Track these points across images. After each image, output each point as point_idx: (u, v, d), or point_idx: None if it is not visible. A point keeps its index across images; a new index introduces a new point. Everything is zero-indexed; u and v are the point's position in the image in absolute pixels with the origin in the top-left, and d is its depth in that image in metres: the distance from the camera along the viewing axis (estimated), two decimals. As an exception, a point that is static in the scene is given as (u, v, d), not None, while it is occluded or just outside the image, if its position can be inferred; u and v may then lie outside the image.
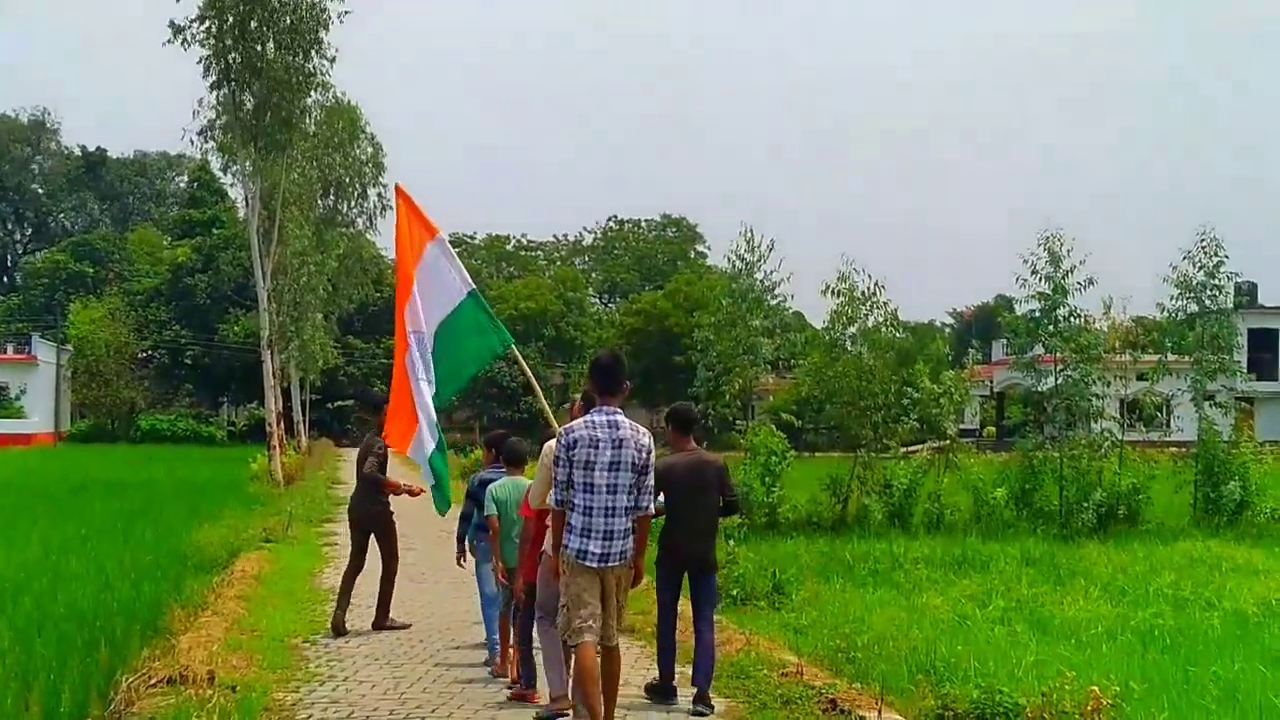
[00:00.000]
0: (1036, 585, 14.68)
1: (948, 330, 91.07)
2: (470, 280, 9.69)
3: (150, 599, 11.76)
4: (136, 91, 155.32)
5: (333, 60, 32.59)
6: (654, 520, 7.78)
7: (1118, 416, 23.95)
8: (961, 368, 27.76)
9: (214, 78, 31.28)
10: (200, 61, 31.07)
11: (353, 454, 16.12)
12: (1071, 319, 22.68)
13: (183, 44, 30.72)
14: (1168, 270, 23.82)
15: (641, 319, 65.82)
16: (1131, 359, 24.60)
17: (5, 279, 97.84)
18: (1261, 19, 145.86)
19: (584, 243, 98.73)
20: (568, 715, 7.60)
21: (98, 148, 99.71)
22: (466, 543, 10.44)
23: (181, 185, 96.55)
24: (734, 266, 22.78)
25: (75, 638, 9.70)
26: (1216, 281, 23.56)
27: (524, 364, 10.20)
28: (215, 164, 42.36)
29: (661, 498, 8.14)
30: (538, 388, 10.14)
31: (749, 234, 22.29)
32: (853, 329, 23.17)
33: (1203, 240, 23.50)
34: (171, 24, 30.72)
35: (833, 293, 22.89)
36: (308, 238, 41.62)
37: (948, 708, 8.07)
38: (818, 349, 24.11)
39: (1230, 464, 22.89)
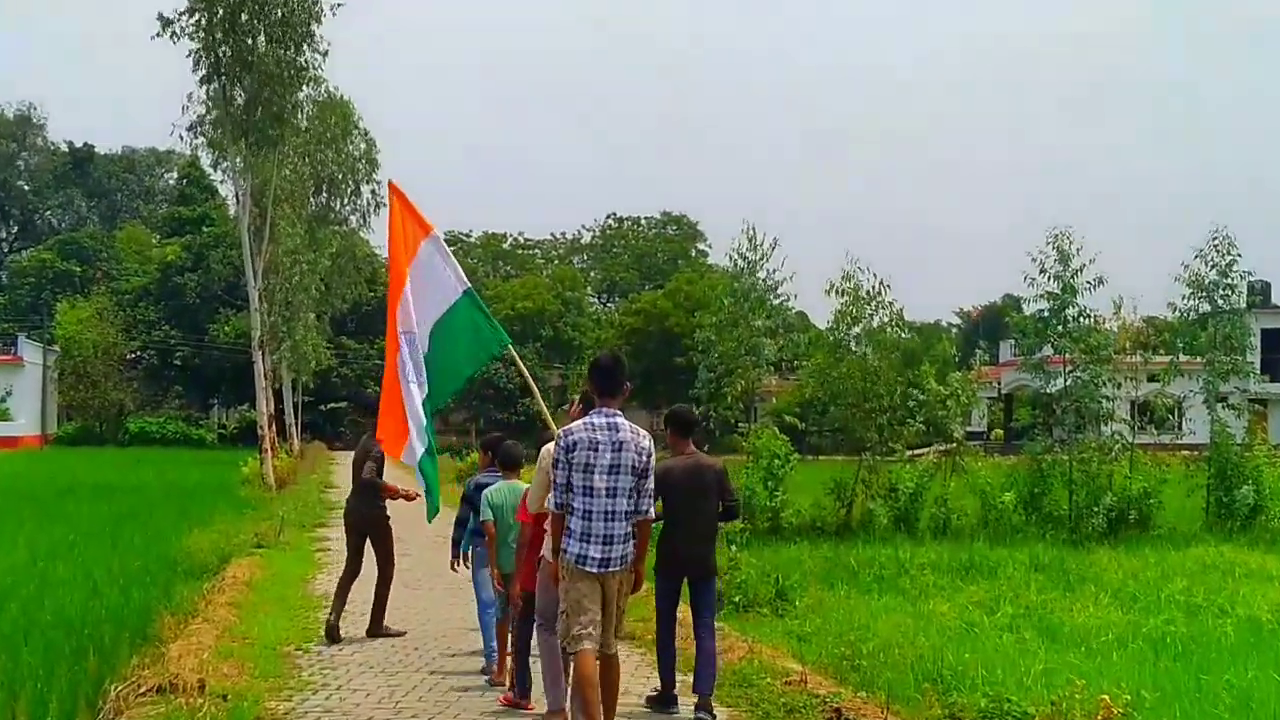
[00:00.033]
0: (1045, 591, 14.59)
1: (954, 331, 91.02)
2: (466, 279, 9.55)
3: (139, 606, 11.63)
4: (124, 89, 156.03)
5: (325, 54, 32.58)
6: (653, 525, 7.66)
7: (1128, 419, 23.77)
8: (968, 369, 27.53)
9: (204, 72, 31.21)
10: (190, 55, 31.04)
11: (346, 457, 15.87)
12: (1081, 319, 22.57)
13: (172, 37, 30.64)
14: (1179, 269, 23.76)
15: (641, 319, 65.64)
16: (1142, 360, 24.48)
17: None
18: (1261, 19, 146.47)
19: (582, 241, 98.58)
20: None
21: (85, 144, 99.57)
22: (462, 548, 10.33)
23: (171, 182, 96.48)
24: (736, 265, 22.60)
25: (63, 645, 9.60)
26: (1229, 281, 23.44)
27: (521, 365, 9.97)
28: (205, 160, 42.33)
29: (660, 502, 8.00)
30: (535, 389, 9.94)
31: (751, 232, 22.09)
32: (857, 329, 23.05)
33: (1215, 239, 23.38)
34: (160, 17, 30.62)
35: (837, 292, 22.74)
36: (300, 236, 41.41)
37: (955, 716, 8.08)
38: (821, 350, 23.95)
39: (1244, 467, 22.72)
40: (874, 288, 22.67)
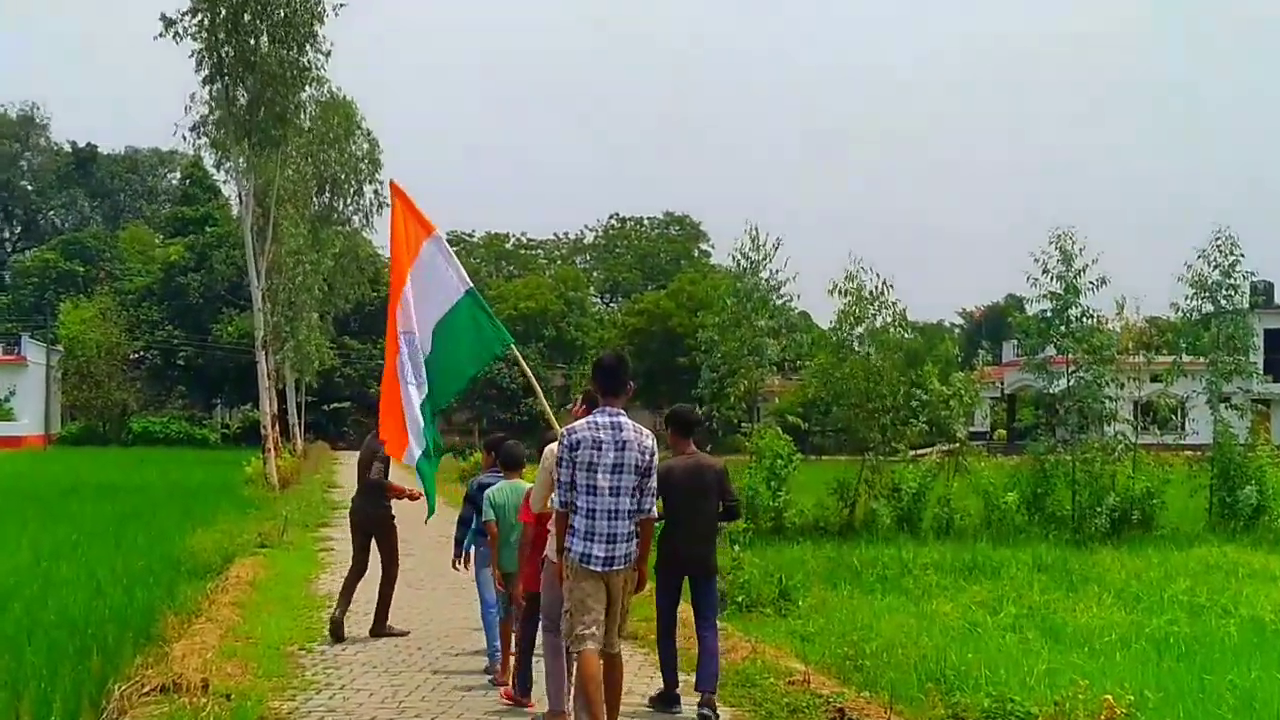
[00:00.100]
0: (1049, 592, 14.56)
1: (957, 331, 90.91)
2: (468, 279, 9.50)
3: (143, 605, 11.62)
4: (124, 89, 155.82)
5: (328, 54, 32.57)
6: (655, 524, 7.67)
7: (1131, 419, 23.72)
8: (971, 369, 27.54)
9: (206, 72, 31.19)
10: (192, 56, 31.00)
11: (349, 457, 15.85)
12: (1084, 319, 22.52)
13: (174, 37, 30.61)
14: (1181, 269, 23.75)
15: (644, 319, 65.59)
16: (1145, 360, 24.45)
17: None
18: (1261, 19, 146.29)
19: (585, 241, 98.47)
20: None
21: (88, 144, 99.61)
22: (464, 547, 10.32)
23: (174, 182, 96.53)
24: (739, 265, 22.56)
25: (66, 645, 9.57)
26: (1232, 281, 23.41)
27: (524, 365, 9.96)
28: (208, 160, 42.23)
29: (660, 501, 7.99)
30: (538, 389, 9.90)
31: (754, 232, 22.11)
32: (860, 329, 23.01)
33: (1218, 239, 23.35)
34: (163, 17, 30.59)
35: (840, 292, 22.69)
36: (303, 236, 41.38)
37: (958, 717, 8.07)
38: (824, 350, 23.95)
39: (1247, 467, 22.65)
40: (877, 288, 22.69)
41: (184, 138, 33.71)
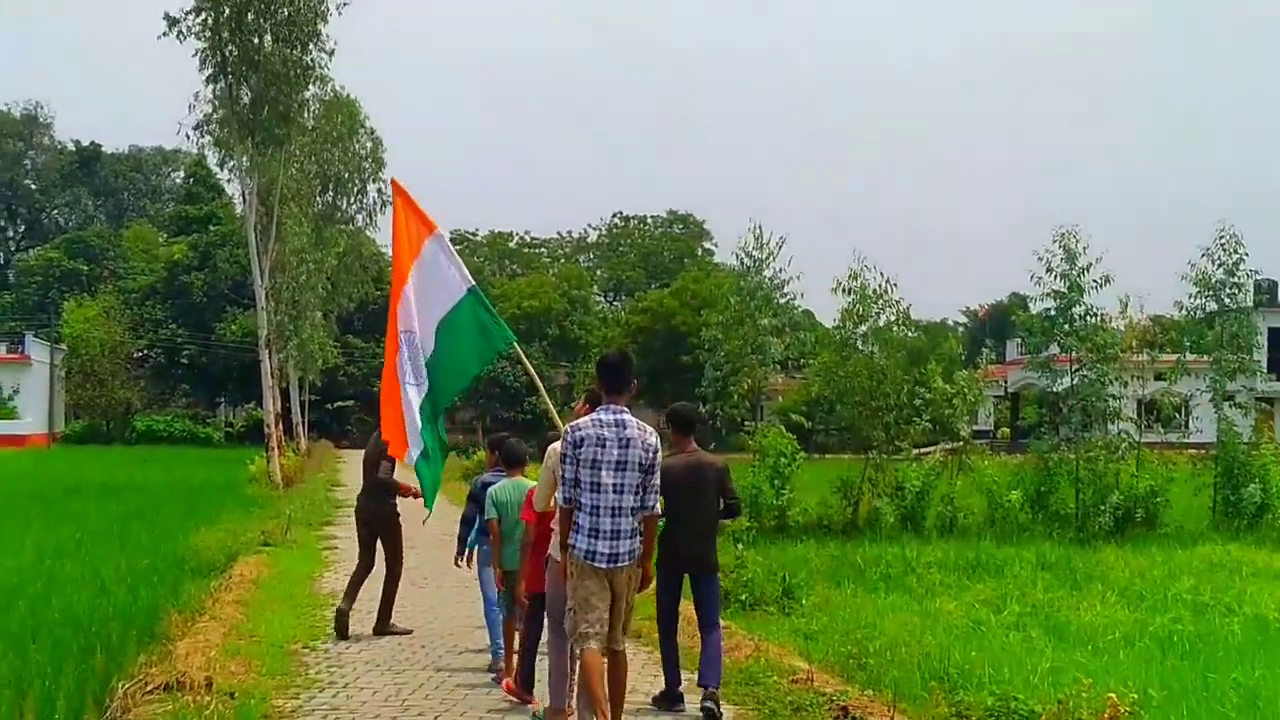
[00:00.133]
0: (1052, 590, 14.55)
1: (961, 329, 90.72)
2: (470, 277, 9.51)
3: (147, 604, 11.65)
4: (125, 89, 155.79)
5: (331, 53, 32.51)
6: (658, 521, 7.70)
7: (1135, 417, 23.73)
8: (975, 367, 27.56)
9: (210, 71, 31.17)
10: (196, 54, 30.97)
11: (352, 455, 15.88)
12: (1088, 318, 22.51)
13: (178, 36, 30.57)
14: (1185, 267, 23.70)
15: (648, 317, 65.55)
16: (1149, 359, 24.35)
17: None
18: (1261, 19, 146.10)
19: (589, 240, 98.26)
20: None
21: (92, 143, 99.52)
22: (467, 545, 10.35)
23: (177, 181, 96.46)
24: (742, 264, 22.51)
25: (70, 644, 9.59)
26: (1236, 279, 23.38)
27: (526, 363, 9.99)
28: (212, 159, 42.24)
29: (661, 499, 7.98)
30: (541, 387, 9.92)
31: (758, 230, 22.04)
32: (864, 328, 22.96)
33: (1222, 237, 23.30)
34: (166, 16, 30.54)
35: (843, 290, 22.63)
36: (306, 234, 41.34)
37: (962, 715, 8.06)
38: (828, 348, 23.93)
39: (1250, 466, 22.66)
40: (880, 286, 22.65)
41: (188, 136, 33.83)
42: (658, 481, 7.24)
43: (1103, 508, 21.09)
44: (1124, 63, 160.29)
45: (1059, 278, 22.35)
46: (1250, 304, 24.18)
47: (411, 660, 10.18)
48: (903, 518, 21.38)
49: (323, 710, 8.36)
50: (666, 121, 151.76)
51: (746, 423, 22.42)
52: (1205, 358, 24.14)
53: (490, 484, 9.57)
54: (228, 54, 30.75)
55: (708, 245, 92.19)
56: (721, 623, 9.05)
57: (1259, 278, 25.46)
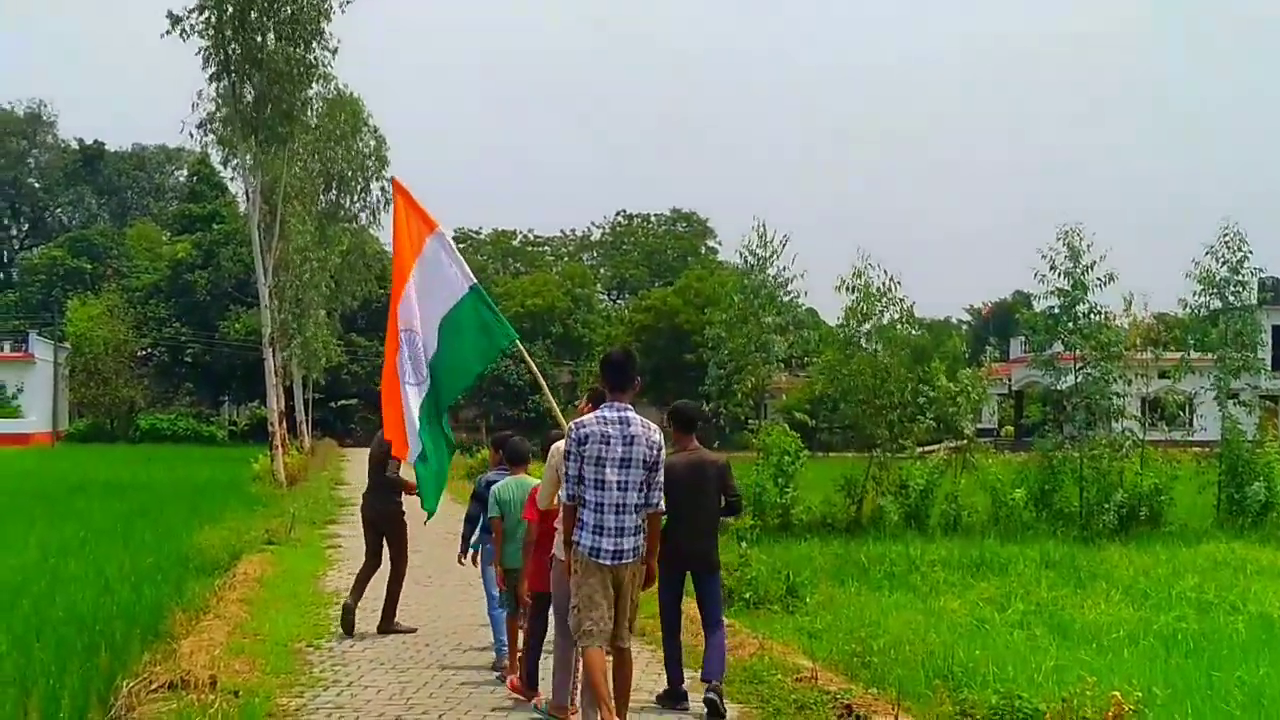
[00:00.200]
0: (1056, 588, 14.55)
1: (965, 327, 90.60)
2: (472, 275, 9.50)
3: (151, 602, 11.64)
4: (126, 89, 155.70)
5: (334, 51, 32.42)
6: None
7: (1139, 415, 23.72)
8: (979, 365, 27.59)
9: (213, 69, 31.14)
10: (199, 53, 30.94)
11: (356, 454, 15.86)
12: (1092, 315, 22.52)
13: (181, 35, 30.54)
14: (1189, 265, 23.70)
15: (651, 316, 65.49)
16: (1153, 356, 24.38)
17: (1, 275, 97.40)
18: (1261, 19, 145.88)
19: (592, 238, 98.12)
20: None
21: (95, 141, 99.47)
22: (471, 544, 10.37)
23: (181, 179, 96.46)
24: (746, 262, 22.48)
25: (74, 642, 9.60)
26: (1240, 277, 23.38)
27: (530, 361, 10.01)
28: (215, 157, 42.07)
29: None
30: (544, 385, 9.91)
31: (761, 229, 22.00)
32: (868, 326, 22.94)
33: (1226, 235, 23.28)
34: (170, 15, 30.52)
35: (847, 289, 22.61)
36: (310, 233, 41.34)
37: (966, 713, 8.06)
38: (832, 346, 23.94)
39: (1255, 464, 22.67)
40: (884, 284, 22.67)
41: (191, 135, 33.72)
42: (661, 478, 7.26)
43: (1107, 506, 21.08)
44: (1124, 63, 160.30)
45: (1063, 275, 22.36)
46: (1254, 302, 24.18)
47: (416, 658, 10.18)
48: (907, 516, 21.38)
49: (327, 709, 8.36)
50: (667, 121, 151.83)
51: (750, 421, 22.43)
52: (1209, 355, 24.15)
53: (494, 482, 9.58)
54: (231, 52, 30.72)
55: (711, 243, 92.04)
56: (725, 621, 9.05)
57: (1263, 275, 25.43)
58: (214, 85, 31.70)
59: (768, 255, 21.98)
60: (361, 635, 11.04)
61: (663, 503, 7.35)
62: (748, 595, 12.85)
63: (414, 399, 9.09)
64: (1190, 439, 25.79)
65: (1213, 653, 10.31)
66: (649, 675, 9.15)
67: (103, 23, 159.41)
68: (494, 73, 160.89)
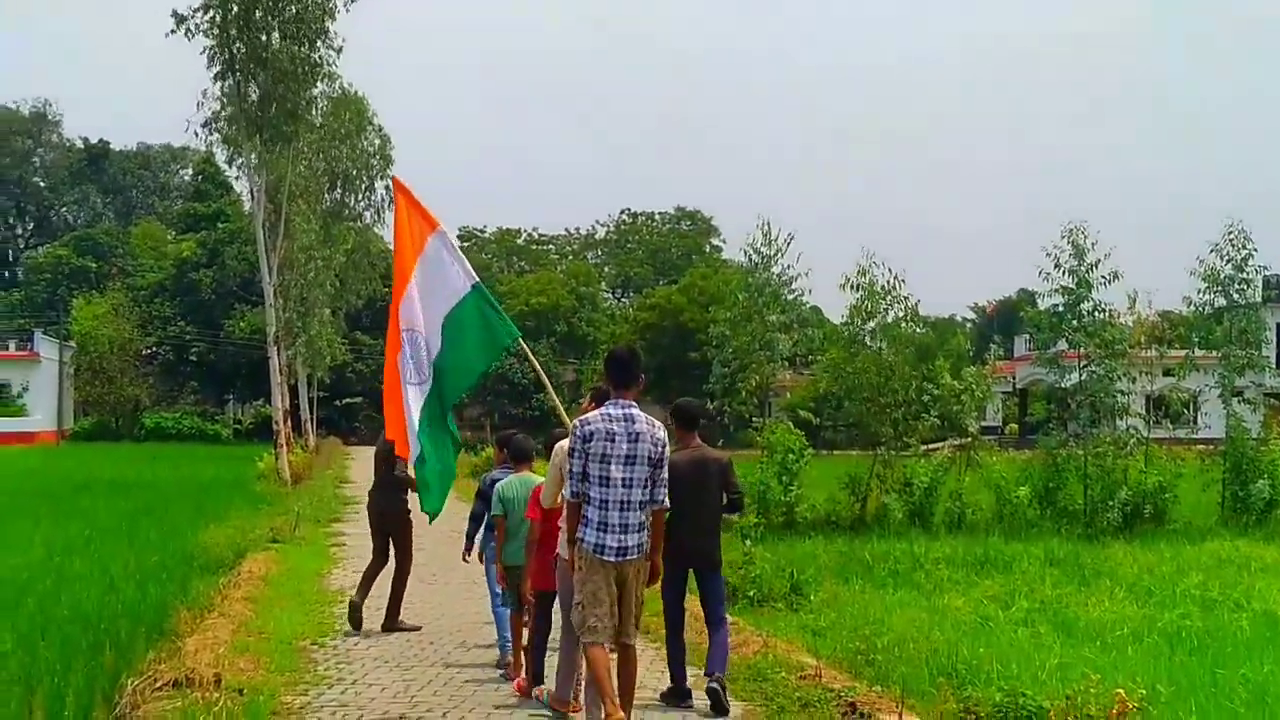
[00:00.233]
0: (1060, 586, 14.56)
1: (969, 325, 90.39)
2: (474, 274, 9.52)
3: (156, 601, 11.66)
4: (126, 88, 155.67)
5: (339, 50, 32.43)
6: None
7: (1143, 413, 23.76)
8: (983, 363, 27.56)
9: (218, 68, 31.16)
10: (204, 52, 30.99)
11: (361, 452, 15.85)
12: (1096, 314, 22.51)
13: (186, 34, 30.55)
14: (1184, 267, 23.71)
15: (656, 314, 65.54)
16: (1157, 354, 24.38)
17: (7, 274, 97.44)
18: (1261, 19, 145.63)
19: (596, 236, 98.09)
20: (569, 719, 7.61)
21: (100, 140, 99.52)
22: (476, 542, 10.38)
23: (185, 178, 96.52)
24: (750, 260, 22.48)
25: (79, 640, 9.59)
26: (1245, 275, 23.36)
27: (533, 359, 10.02)
28: (220, 156, 42.26)
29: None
30: (547, 383, 9.93)
31: (766, 227, 22.01)
32: (872, 324, 22.95)
33: (1230, 233, 23.24)
34: (174, 14, 30.54)
35: (852, 287, 22.60)
36: (314, 231, 41.34)
37: (970, 711, 8.04)
38: (836, 345, 23.93)
39: (1259, 462, 22.63)
40: (888, 282, 22.66)
41: (196, 134, 33.88)
42: (666, 475, 7.27)
43: (1111, 503, 21.07)
44: (1124, 63, 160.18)
45: (1067, 273, 22.35)
46: (1259, 299, 24.20)
47: (420, 656, 10.18)
48: (911, 514, 21.38)
49: (331, 706, 8.36)
50: (667, 121, 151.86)
51: (754, 419, 22.46)
52: (1214, 353, 24.09)
53: (499, 480, 9.59)
54: (235, 51, 30.75)
55: (716, 242, 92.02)
56: (729, 618, 9.05)
57: (1268, 273, 25.42)
58: (219, 84, 31.75)
59: (772, 254, 22.03)
60: (366, 633, 11.05)
61: (667, 500, 7.35)
62: (752, 593, 12.85)
63: (414, 399, 9.10)
64: (1194, 437, 25.75)
65: (1217, 650, 10.30)
66: (653, 673, 9.15)
67: (103, 22, 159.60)
68: (494, 73, 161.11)
